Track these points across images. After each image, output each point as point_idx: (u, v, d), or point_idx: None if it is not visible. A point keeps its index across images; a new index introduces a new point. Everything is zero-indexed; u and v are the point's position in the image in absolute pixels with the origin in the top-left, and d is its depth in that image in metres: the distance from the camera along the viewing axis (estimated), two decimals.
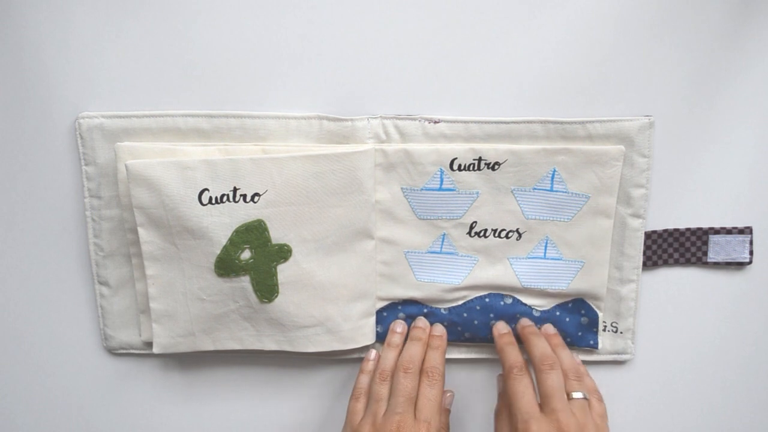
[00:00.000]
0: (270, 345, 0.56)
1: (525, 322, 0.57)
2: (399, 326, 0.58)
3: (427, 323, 0.58)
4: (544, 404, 0.49)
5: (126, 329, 0.59)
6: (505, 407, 0.52)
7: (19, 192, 0.56)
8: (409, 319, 0.58)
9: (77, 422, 0.62)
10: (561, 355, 0.53)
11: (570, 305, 0.57)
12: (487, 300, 0.58)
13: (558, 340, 0.56)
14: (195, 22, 0.52)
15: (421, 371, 0.53)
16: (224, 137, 0.53)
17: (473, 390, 0.61)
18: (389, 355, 0.55)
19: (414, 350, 0.54)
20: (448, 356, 0.59)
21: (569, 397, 0.49)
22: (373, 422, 0.50)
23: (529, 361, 0.54)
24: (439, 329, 0.57)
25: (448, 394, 0.56)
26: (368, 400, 0.53)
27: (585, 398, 0.50)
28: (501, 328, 0.57)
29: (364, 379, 0.55)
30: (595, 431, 0.48)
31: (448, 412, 0.56)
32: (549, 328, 0.57)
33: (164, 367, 0.61)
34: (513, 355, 0.53)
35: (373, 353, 0.58)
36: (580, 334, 0.57)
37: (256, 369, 0.61)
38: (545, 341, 0.54)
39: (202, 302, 0.54)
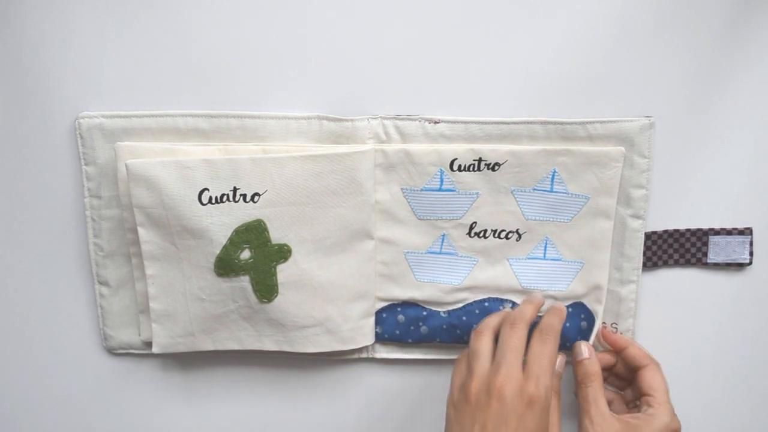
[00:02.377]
0: (270, 345, 0.56)
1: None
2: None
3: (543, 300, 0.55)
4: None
5: (126, 329, 0.59)
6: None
7: (19, 192, 0.56)
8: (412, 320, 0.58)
9: (77, 422, 0.62)
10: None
11: (570, 310, 0.57)
12: (486, 304, 0.57)
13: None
14: (195, 22, 0.52)
15: (535, 329, 0.50)
16: (224, 137, 0.53)
17: None
18: (495, 316, 0.53)
19: (525, 307, 0.52)
20: (446, 357, 0.59)
21: None
22: (475, 377, 0.47)
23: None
24: (561, 306, 0.54)
25: (560, 358, 0.51)
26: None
27: None
28: None
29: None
30: None
31: (559, 375, 0.51)
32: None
33: (164, 367, 0.61)
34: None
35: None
36: (579, 339, 0.57)
37: (256, 369, 0.61)
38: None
39: (201, 302, 0.54)
